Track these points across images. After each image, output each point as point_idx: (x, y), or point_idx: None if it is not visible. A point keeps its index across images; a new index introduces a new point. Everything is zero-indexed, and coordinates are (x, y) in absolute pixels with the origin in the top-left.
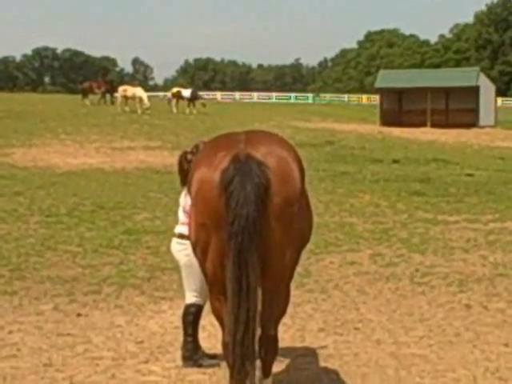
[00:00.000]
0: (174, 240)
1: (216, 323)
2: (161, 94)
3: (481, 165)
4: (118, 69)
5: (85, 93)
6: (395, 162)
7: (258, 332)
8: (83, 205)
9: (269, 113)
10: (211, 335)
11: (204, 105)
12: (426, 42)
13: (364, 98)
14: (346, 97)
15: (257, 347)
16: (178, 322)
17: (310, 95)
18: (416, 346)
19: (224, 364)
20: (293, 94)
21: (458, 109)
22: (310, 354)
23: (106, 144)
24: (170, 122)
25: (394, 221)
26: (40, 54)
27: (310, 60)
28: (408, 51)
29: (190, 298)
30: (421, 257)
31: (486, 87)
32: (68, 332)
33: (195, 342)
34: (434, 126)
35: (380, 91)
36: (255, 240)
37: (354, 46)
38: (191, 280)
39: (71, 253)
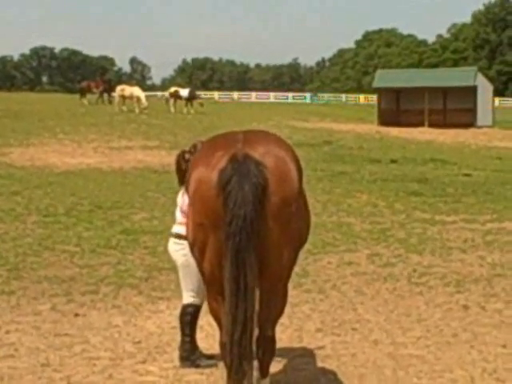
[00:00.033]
0: (171, 240)
1: (214, 323)
2: (159, 93)
3: (478, 165)
4: (115, 68)
5: (83, 92)
6: (393, 161)
7: (256, 332)
8: (81, 204)
9: (267, 112)
10: (209, 335)
11: (202, 104)
12: (423, 42)
13: (362, 97)
14: (343, 96)
15: (254, 347)
16: (176, 322)
17: (308, 95)
18: (413, 346)
19: (221, 364)
20: (290, 94)
21: (455, 109)
22: (308, 354)
23: (103, 143)
24: (168, 122)
25: (392, 221)
26: (38, 53)
27: (308, 60)
28: (406, 51)
29: (188, 298)
30: (418, 257)
31: (484, 87)
32: (65, 332)
33: (193, 342)
34: (431, 125)
35: (378, 91)
36: (253, 240)
37: (352, 45)
38: (188, 280)
39: (69, 253)
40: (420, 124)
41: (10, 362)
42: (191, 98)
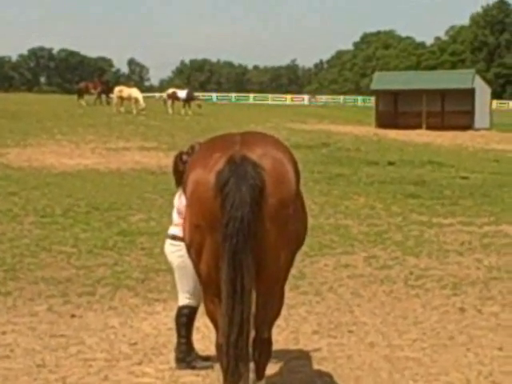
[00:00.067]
0: (168, 241)
1: (210, 325)
2: (156, 94)
3: (476, 167)
4: (113, 69)
5: (80, 93)
6: (390, 164)
7: (252, 334)
8: (78, 205)
9: (265, 114)
10: (205, 337)
11: (200, 106)
12: (421, 44)
13: (360, 99)
14: (341, 98)
15: (251, 349)
16: (172, 324)
17: (306, 97)
18: (410, 349)
19: (217, 366)
20: (288, 96)
21: (453, 111)
22: (304, 356)
23: (101, 144)
24: (166, 123)
25: (389, 223)
26: (36, 54)
27: (306, 61)
28: (404, 53)
29: (183, 299)
30: (415, 259)
31: (482, 89)
32: (61, 333)
33: (189, 343)
34: (429, 128)
35: (376, 93)
36: (250, 242)
37: (350, 47)
38: (184, 281)
39: (66, 254)
40: (418, 126)
41: (5, 363)
42: (189, 100)
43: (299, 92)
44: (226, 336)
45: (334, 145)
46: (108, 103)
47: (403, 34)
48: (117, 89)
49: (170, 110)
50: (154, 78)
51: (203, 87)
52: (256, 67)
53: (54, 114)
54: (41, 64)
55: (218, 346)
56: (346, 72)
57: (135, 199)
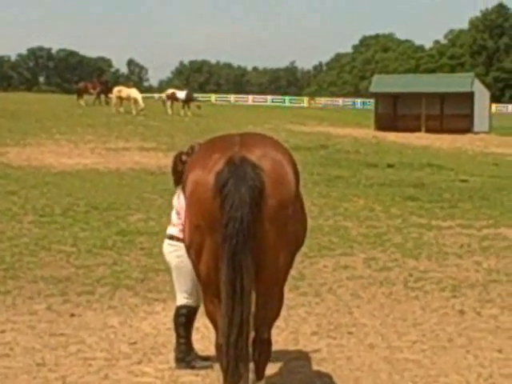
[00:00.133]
0: (166, 241)
1: (209, 325)
2: (156, 95)
3: (475, 171)
4: (113, 69)
5: (80, 93)
6: (389, 166)
7: (252, 334)
8: (77, 205)
9: (264, 116)
10: (204, 337)
11: (199, 107)
12: (420, 48)
13: (358, 102)
14: (340, 101)
15: (250, 350)
16: (171, 324)
17: (305, 98)
18: (409, 350)
19: (217, 366)
20: (287, 97)
21: (452, 114)
22: (303, 357)
23: (100, 144)
24: (165, 124)
25: (388, 225)
26: (35, 53)
27: (305, 64)
28: (403, 56)
29: (181, 299)
30: (414, 262)
31: (481, 93)
32: (61, 332)
33: (188, 343)
34: (428, 131)
35: (375, 96)
36: (249, 243)
37: (349, 50)
38: (182, 281)
39: (65, 253)
40: (417, 129)
41: (5, 362)
42: (188, 100)
43: (298, 94)
44: (226, 336)
45: (333, 147)
46: (107, 103)
47: (402, 38)
48: (116, 89)
49: (170, 111)
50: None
51: (202, 88)
52: (255, 69)
53: (53, 113)
54: (40, 64)
55: (218, 347)
56: (345, 74)
57: (134, 199)
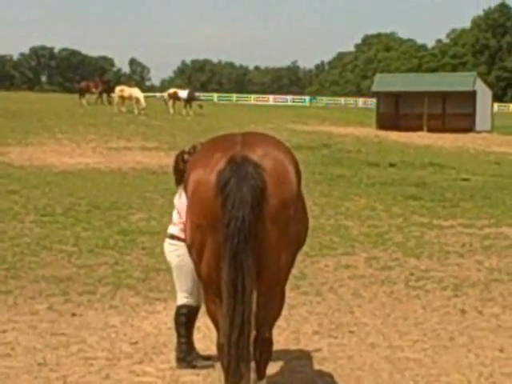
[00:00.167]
0: (166, 241)
1: (210, 325)
2: (157, 94)
3: (477, 170)
4: (115, 69)
5: (82, 92)
6: (391, 165)
7: (253, 334)
8: (79, 205)
9: (266, 115)
10: (206, 336)
11: (201, 106)
12: (423, 47)
13: (361, 101)
14: (342, 100)
15: (251, 349)
16: (172, 323)
17: (307, 98)
18: (410, 349)
19: (218, 365)
20: (289, 97)
21: (454, 113)
22: (305, 356)
23: (102, 144)
24: (167, 123)
25: (390, 224)
26: (37, 53)
27: (307, 63)
28: (405, 55)
29: (182, 298)
30: (416, 261)
31: (483, 92)
32: (62, 332)
33: (189, 343)
34: (430, 130)
35: (377, 95)
36: (251, 242)
37: (351, 49)
38: (183, 281)
39: (66, 252)
40: (419, 128)
41: (6, 361)
42: (190, 100)
43: (300, 93)
44: (227, 336)
45: (335, 146)
46: (109, 103)
47: (404, 37)
48: (118, 88)
49: (171, 110)
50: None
51: (204, 87)
52: (257, 68)
53: (55, 113)
54: (42, 63)
55: (219, 346)
56: (347, 74)
57: (136, 199)
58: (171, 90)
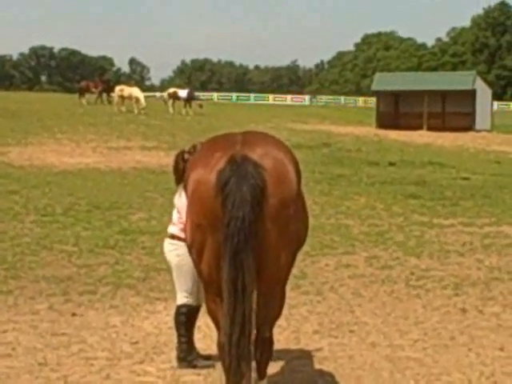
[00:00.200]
0: (166, 240)
1: (211, 324)
2: (157, 94)
3: (477, 168)
4: (114, 68)
5: (82, 92)
6: (391, 164)
7: (253, 333)
8: (79, 204)
9: (265, 114)
10: (206, 336)
11: (201, 106)
12: (422, 45)
13: (360, 100)
14: (342, 99)
15: (252, 348)
16: (173, 323)
17: (307, 97)
18: (411, 349)
19: (219, 365)
20: (289, 96)
21: (454, 112)
22: (305, 356)
23: (102, 143)
24: (167, 123)
25: (390, 223)
26: (37, 52)
27: (307, 62)
28: (405, 54)
29: (181, 298)
30: (416, 260)
31: (483, 91)
32: (63, 332)
33: (190, 342)
34: (430, 129)
35: (376, 94)
36: (251, 241)
37: (351, 48)
38: (182, 280)
39: (67, 252)
40: (419, 127)
41: (7, 362)
42: (190, 99)
43: (300, 92)
44: (228, 335)
45: (335, 145)
46: (109, 102)
47: (404, 35)
48: (118, 88)
49: (171, 110)
50: (154, 78)
51: (204, 87)
52: (257, 67)
53: (54, 112)
54: (42, 63)
55: (220, 346)
56: (347, 73)
57: (136, 198)
58: (171, 90)
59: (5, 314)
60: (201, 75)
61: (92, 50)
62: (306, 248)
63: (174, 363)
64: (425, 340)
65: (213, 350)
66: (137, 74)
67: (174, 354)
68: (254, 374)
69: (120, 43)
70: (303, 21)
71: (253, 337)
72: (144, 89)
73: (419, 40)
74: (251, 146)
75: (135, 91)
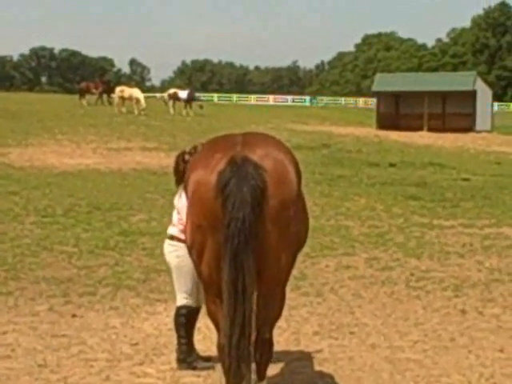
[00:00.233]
0: (166, 241)
1: (211, 325)
2: (157, 94)
3: (477, 169)
4: (115, 69)
5: (82, 93)
6: (391, 165)
7: (254, 335)
8: (79, 205)
9: (266, 115)
10: (206, 337)
11: (201, 106)
12: (423, 46)
13: (361, 101)
14: (342, 100)
15: (252, 350)
16: (173, 324)
17: (307, 98)
18: (411, 350)
19: (218, 366)
20: (290, 97)
21: (454, 113)
22: (305, 357)
23: (102, 144)
24: (167, 124)
25: (390, 225)
26: (37, 53)
27: (307, 63)
28: (405, 55)
29: (181, 299)
30: (416, 261)
31: (483, 92)
32: (63, 333)
33: (189, 344)
34: (430, 130)
35: (377, 95)
36: (251, 243)
37: (352, 49)
38: (182, 281)
39: (67, 253)
40: (419, 128)
41: (6, 363)
42: (190, 100)
43: (300, 93)
44: (228, 337)
45: (335, 146)
46: (109, 103)
47: (405, 36)
48: (118, 89)
49: (172, 111)
50: (155, 79)
51: (204, 88)
52: (257, 68)
53: (55, 113)
54: (42, 64)
55: (220, 347)
56: (348, 73)
57: (136, 199)
58: (171, 91)
59: (5, 315)
60: (201, 76)
61: (92, 50)
62: (306, 249)
63: (174, 365)
64: (425, 341)
65: (213, 351)
66: (137, 75)
67: (173, 355)
68: (253, 376)
69: (120, 44)
70: (303, 21)
71: (253, 338)
72: (144, 90)
73: (419, 41)
74: (251, 147)
75: (135, 92)
